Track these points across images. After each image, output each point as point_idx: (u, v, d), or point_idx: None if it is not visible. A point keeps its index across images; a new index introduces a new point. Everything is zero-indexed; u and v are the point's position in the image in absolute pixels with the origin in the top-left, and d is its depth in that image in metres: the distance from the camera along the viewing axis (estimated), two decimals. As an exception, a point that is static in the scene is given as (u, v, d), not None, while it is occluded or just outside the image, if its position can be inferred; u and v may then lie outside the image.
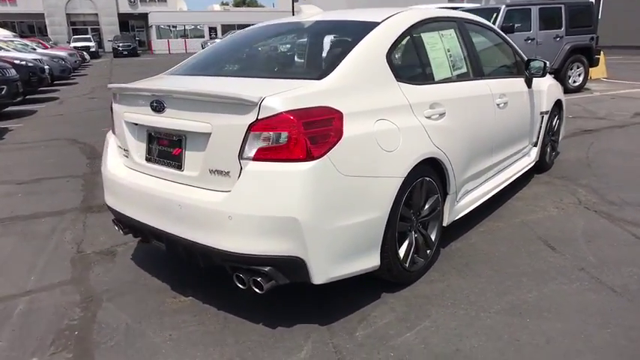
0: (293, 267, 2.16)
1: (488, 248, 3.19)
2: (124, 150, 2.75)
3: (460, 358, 2.14)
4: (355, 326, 2.39)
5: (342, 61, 2.43)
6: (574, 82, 9.90)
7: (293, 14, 34.39)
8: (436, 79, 2.95)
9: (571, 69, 9.79)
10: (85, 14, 44.82)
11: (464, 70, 3.26)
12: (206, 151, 2.25)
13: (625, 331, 2.28)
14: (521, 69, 4.04)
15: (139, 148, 2.64)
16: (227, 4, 59.66)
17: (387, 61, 2.59)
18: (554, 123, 4.76)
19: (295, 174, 2.06)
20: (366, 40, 2.58)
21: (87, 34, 41.17)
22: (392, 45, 2.66)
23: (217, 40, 31.00)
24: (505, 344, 2.21)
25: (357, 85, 2.40)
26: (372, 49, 2.56)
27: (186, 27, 45.27)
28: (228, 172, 2.18)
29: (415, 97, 2.66)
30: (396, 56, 2.68)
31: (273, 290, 2.26)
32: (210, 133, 2.21)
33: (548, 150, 4.74)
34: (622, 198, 3.99)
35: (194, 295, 2.74)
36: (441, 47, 3.08)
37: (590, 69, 10.23)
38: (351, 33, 2.73)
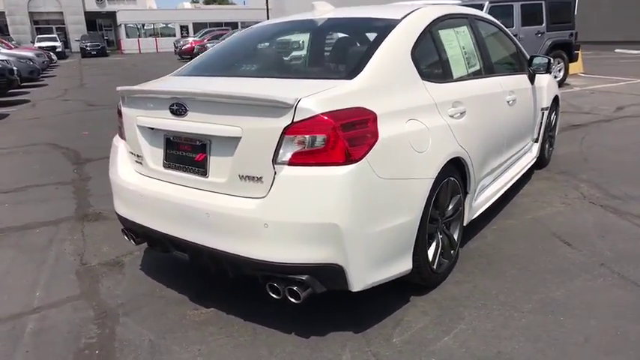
0: (331, 274, 2.09)
1: (506, 246, 3.18)
2: (137, 156, 2.61)
3: (504, 360, 2.11)
4: (391, 332, 2.33)
5: (370, 60, 2.36)
6: (555, 77, 10.09)
7: (267, 12, 33.96)
8: (454, 77, 2.92)
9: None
10: (49, 12, 43.36)
11: (477, 67, 3.24)
12: (235, 156, 2.14)
13: (660, 327, 2.29)
14: (524, 65, 4.05)
15: (154, 154, 2.51)
16: (197, 1, 58.66)
17: (412, 59, 2.54)
18: (551, 119, 4.81)
19: (335, 178, 1.98)
20: (391, 37, 2.52)
21: (52, 33, 39.77)
22: (415, 43, 2.61)
23: (190, 39, 30.24)
24: (545, 345, 2.19)
25: (387, 85, 2.34)
26: (397, 47, 2.50)
27: (157, 26, 44.31)
28: (261, 177, 2.09)
29: (439, 96, 2.62)
30: (419, 54, 2.62)
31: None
32: (239, 137, 2.11)
33: (547, 146, 4.79)
34: (624, 192, 4.06)
35: (216, 305, 2.63)
36: (456, 44, 3.05)
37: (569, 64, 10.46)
38: (372, 30, 2.67)
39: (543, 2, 9.52)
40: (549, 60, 3.93)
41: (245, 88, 2.33)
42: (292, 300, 2.14)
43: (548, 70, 3.97)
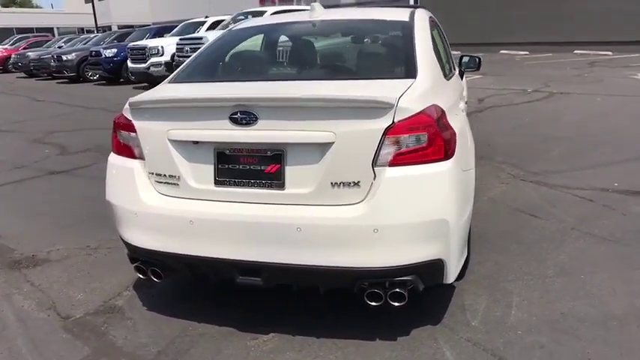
0: (434, 270, 2.11)
1: (490, 225, 3.53)
2: (166, 176, 2.25)
3: (570, 319, 2.39)
4: (464, 318, 2.44)
5: (417, 59, 2.42)
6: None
7: (95, 17, 30.79)
8: (448, 74, 3.14)
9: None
10: None
11: (449, 65, 3.52)
12: (325, 163, 2.01)
13: (648, 269, 2.82)
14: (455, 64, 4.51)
15: (198, 171, 2.19)
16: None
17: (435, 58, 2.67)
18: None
19: (440, 175, 2.01)
20: (418, 37, 2.62)
21: None
22: (431, 42, 2.75)
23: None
24: (588, 299, 2.54)
25: (435, 82, 2.43)
26: (427, 46, 2.61)
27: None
28: (358, 182, 2.00)
29: (455, 92, 2.80)
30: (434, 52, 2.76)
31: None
32: (331, 143, 1.98)
33: (463, 135, 5.40)
34: (540, 168, 4.81)
35: (273, 329, 2.41)
36: (439, 44, 3.28)
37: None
38: (392, 31, 2.73)
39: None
40: (479, 58, 4.45)
41: (322, 90, 2.17)
42: (395, 303, 2.11)
43: (479, 67, 4.48)
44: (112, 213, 2.42)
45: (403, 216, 1.98)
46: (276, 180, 2.09)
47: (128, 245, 2.39)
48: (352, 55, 2.76)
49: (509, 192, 4.22)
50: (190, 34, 13.05)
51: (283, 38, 3.08)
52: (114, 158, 2.43)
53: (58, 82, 17.00)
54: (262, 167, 2.10)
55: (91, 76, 16.47)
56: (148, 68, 12.78)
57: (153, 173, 2.29)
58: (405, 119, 1.97)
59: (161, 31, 15.65)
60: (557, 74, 11.96)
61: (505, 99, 8.91)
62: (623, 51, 15.85)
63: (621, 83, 9.88)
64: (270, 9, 11.92)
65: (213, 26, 13.29)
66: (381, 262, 2.00)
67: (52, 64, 17.23)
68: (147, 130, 2.25)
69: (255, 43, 3.06)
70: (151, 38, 14.77)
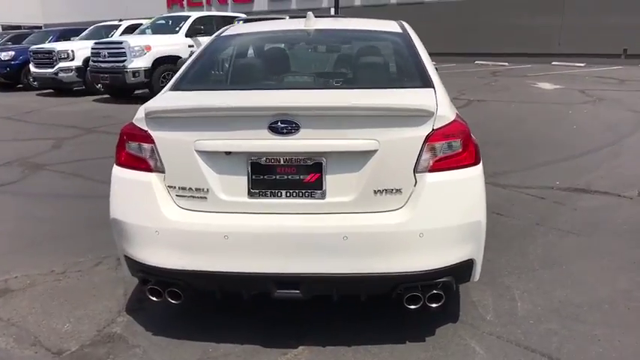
0: (466, 270, 2.21)
1: (465, 225, 3.75)
2: (192, 189, 2.11)
3: (569, 306, 2.62)
4: (478, 313, 2.58)
5: (426, 69, 2.52)
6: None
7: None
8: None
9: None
10: None
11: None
12: (366, 170, 2.03)
13: (626, 254, 3.16)
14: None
15: (230, 183, 2.09)
16: None
17: (433, 68, 2.80)
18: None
19: (474, 179, 2.13)
20: (420, 48, 2.72)
21: None
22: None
23: None
24: (577, 287, 2.80)
25: (444, 90, 2.54)
26: (428, 57, 2.72)
27: None
28: (400, 189, 2.05)
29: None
30: (429, 62, 2.90)
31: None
32: (375, 151, 2.00)
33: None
34: (487, 170, 5.13)
35: (300, 342, 2.36)
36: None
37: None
38: (396, 42, 2.82)
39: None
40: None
41: (369, 99, 2.17)
42: (433, 305, 2.17)
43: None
44: (122, 232, 2.21)
45: (446, 219, 2.06)
46: (316, 189, 2.06)
47: (141, 266, 2.19)
48: (366, 64, 2.78)
49: (469, 193, 4.50)
50: (102, 37, 12.21)
51: (290, 46, 3.03)
52: (122, 172, 2.23)
53: (-62, 88, 14.96)
54: (301, 177, 2.06)
55: (-20, 81, 14.71)
56: (56, 73, 11.71)
57: (174, 187, 2.13)
58: (443, 127, 2.06)
59: (66, 33, 14.45)
60: (468, 83, 12.94)
61: (432, 106, 9.48)
62: (517, 62, 17.60)
63: (526, 91, 10.97)
64: (195, 14, 11.52)
65: (129, 30, 12.55)
66: (424, 265, 2.05)
67: None
68: (168, 141, 2.10)
69: (262, 49, 2.97)
70: (55, 41, 13.58)
